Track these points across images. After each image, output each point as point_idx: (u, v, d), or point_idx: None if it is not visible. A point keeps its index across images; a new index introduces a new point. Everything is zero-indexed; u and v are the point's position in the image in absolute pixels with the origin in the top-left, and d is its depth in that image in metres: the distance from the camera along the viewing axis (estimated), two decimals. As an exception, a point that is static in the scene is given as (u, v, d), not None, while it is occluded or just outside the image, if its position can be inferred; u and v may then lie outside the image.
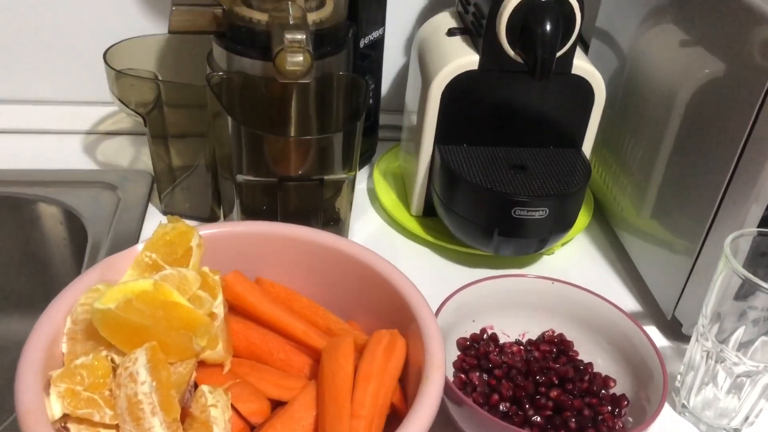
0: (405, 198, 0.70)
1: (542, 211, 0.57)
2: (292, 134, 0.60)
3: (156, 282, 0.41)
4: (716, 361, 0.48)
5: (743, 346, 0.48)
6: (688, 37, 0.56)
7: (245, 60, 0.57)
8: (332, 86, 0.60)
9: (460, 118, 0.61)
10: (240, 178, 0.56)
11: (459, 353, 0.51)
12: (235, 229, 0.50)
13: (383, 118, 0.78)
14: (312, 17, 0.55)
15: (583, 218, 0.68)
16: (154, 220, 0.65)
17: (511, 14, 0.55)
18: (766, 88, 0.47)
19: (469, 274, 0.63)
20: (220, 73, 0.57)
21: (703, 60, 0.53)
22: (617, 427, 0.47)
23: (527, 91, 0.61)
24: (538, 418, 0.46)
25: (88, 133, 0.77)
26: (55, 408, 0.37)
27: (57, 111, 0.78)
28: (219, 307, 0.44)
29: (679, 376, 0.53)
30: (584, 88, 0.60)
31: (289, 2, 0.54)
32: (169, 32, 0.56)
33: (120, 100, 0.61)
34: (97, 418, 0.37)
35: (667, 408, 0.52)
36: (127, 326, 0.39)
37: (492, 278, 0.52)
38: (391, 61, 0.79)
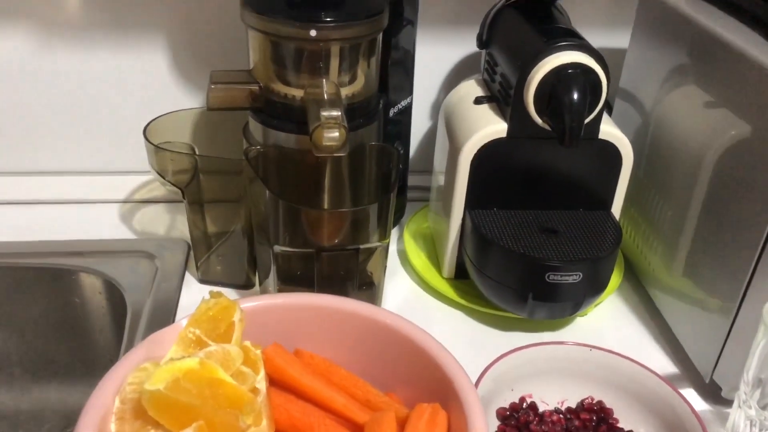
0: (436, 260, 0.71)
1: (576, 275, 0.57)
2: (326, 203, 0.61)
3: (202, 360, 0.42)
4: (761, 430, 0.48)
5: (787, 411, 0.48)
6: (712, 98, 0.57)
7: (280, 134, 0.58)
8: (364, 155, 0.61)
9: (489, 184, 0.62)
10: (277, 248, 0.57)
11: (499, 423, 0.51)
12: (274, 301, 0.51)
13: (411, 179, 0.80)
14: (345, 91, 0.57)
15: (614, 278, 0.68)
16: (192, 288, 0.66)
17: (538, 84, 0.56)
18: (795, 153, 0.47)
19: (502, 337, 0.64)
20: (258, 147, 0.59)
21: (728, 120, 0.54)
22: (663, 499, 0.46)
23: (555, 157, 0.62)
24: (582, 490, 0.46)
25: (125, 201, 0.79)
26: (106, 490, 0.38)
27: (93, 181, 0.80)
28: (261, 382, 0.45)
29: (722, 443, 0.52)
30: (612, 152, 0.61)
31: (324, 79, 0.56)
32: (208, 109, 0.58)
33: (158, 172, 0.63)
34: (147, 500, 0.38)
35: (711, 476, 0.52)
36: (176, 406, 0.40)
37: (530, 346, 0.52)
38: (419, 125, 0.81)
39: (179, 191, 0.64)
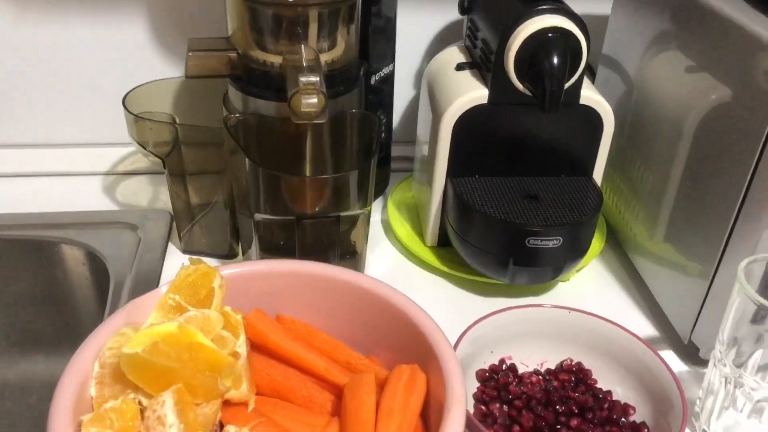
0: (419, 229, 0.71)
1: (556, 240, 0.58)
2: (308, 172, 0.61)
3: (181, 324, 0.42)
4: (735, 386, 0.49)
5: (762, 369, 0.48)
6: (694, 63, 0.57)
7: (260, 101, 0.58)
8: (345, 123, 0.61)
9: (471, 151, 0.62)
10: (258, 216, 0.57)
11: (478, 384, 0.52)
12: (255, 268, 0.51)
13: (395, 150, 0.80)
14: (324, 58, 0.57)
15: (596, 244, 0.68)
16: (175, 258, 0.66)
17: (518, 49, 0.56)
18: (772, 115, 0.47)
19: (485, 303, 0.64)
20: (237, 115, 0.58)
21: (710, 86, 0.54)
22: (639, 456, 0.47)
23: (537, 123, 0.62)
24: (560, 449, 0.47)
25: (107, 173, 0.79)
26: (87, 452, 0.38)
27: (76, 153, 0.80)
28: (242, 347, 0.45)
29: (698, 401, 0.53)
30: (593, 117, 0.61)
31: (302, 45, 0.55)
32: (186, 77, 0.58)
33: (138, 143, 0.63)
34: (127, 461, 0.38)
35: (688, 434, 0.53)
36: (154, 369, 0.40)
37: (509, 309, 0.52)
38: (402, 94, 0.81)
39: (162, 163, 0.63)
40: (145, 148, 0.63)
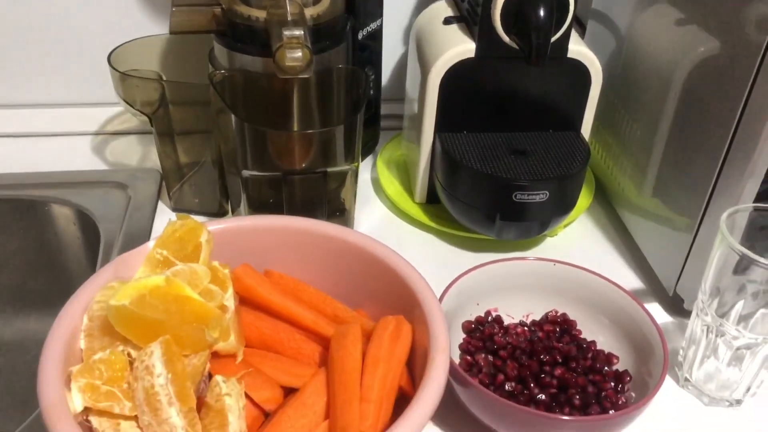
0: (408, 186, 0.71)
1: (543, 194, 0.58)
2: (295, 128, 0.61)
3: (168, 278, 0.42)
4: (716, 335, 0.49)
5: (743, 319, 0.49)
6: (684, 16, 0.57)
7: (246, 57, 0.58)
8: (332, 79, 0.61)
9: (459, 106, 0.62)
10: (245, 173, 0.57)
11: (464, 336, 0.52)
12: (242, 223, 0.51)
13: (385, 108, 0.79)
14: (309, 12, 0.56)
15: (584, 199, 0.69)
16: (165, 217, 0.67)
17: (505, 1, 0.56)
18: (758, 65, 0.47)
19: (473, 258, 0.65)
20: (222, 71, 0.58)
21: (699, 38, 0.54)
22: (620, 403, 0.48)
23: (524, 77, 0.61)
24: (543, 396, 0.47)
25: (97, 133, 0.79)
26: (77, 402, 0.39)
27: (65, 113, 0.79)
28: (230, 300, 0.46)
29: (681, 351, 0.54)
30: (581, 71, 0.61)
31: (287, -1, 0.55)
32: (171, 33, 0.57)
33: (125, 101, 0.62)
34: (116, 410, 0.39)
35: (670, 382, 0.53)
36: (142, 321, 0.40)
37: (494, 262, 0.53)
38: (391, 51, 0.80)
39: (150, 121, 0.63)
40: (132, 107, 0.63)
